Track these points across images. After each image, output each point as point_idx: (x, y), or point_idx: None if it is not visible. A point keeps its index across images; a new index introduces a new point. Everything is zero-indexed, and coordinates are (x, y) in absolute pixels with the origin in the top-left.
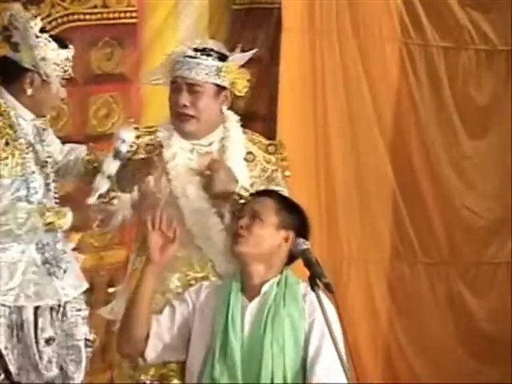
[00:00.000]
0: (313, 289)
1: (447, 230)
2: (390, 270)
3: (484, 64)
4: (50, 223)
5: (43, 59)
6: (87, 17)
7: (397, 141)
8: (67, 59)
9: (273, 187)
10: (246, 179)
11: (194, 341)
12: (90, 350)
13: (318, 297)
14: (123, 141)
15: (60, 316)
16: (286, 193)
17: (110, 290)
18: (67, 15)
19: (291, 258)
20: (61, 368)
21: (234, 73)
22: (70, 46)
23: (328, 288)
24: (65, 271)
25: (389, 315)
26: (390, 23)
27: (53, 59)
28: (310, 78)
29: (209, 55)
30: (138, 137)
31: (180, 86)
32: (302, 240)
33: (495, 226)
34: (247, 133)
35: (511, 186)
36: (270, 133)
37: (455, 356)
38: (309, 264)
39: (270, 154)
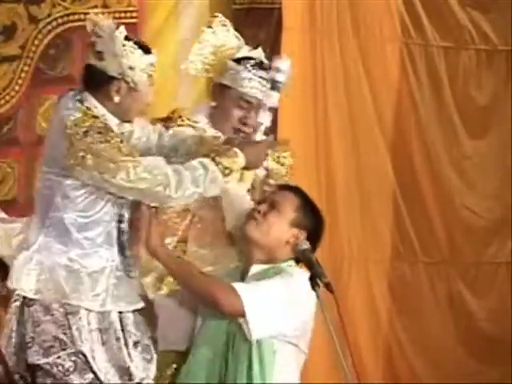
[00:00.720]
0: (313, 289)
1: (447, 230)
2: (390, 269)
3: (484, 64)
4: (226, 168)
5: (131, 68)
6: (87, 17)
7: (397, 141)
8: (151, 64)
9: None
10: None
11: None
12: (157, 346)
13: (319, 297)
14: (279, 70)
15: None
16: None
17: None
18: (68, 15)
19: (297, 258)
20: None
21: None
22: (153, 51)
23: (328, 288)
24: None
25: (389, 315)
26: (390, 23)
27: (139, 66)
28: (311, 78)
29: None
30: (179, 126)
31: (252, 106)
32: (303, 240)
33: (495, 225)
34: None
35: (511, 186)
36: (270, 133)
37: (455, 356)
38: (309, 264)
39: (281, 164)
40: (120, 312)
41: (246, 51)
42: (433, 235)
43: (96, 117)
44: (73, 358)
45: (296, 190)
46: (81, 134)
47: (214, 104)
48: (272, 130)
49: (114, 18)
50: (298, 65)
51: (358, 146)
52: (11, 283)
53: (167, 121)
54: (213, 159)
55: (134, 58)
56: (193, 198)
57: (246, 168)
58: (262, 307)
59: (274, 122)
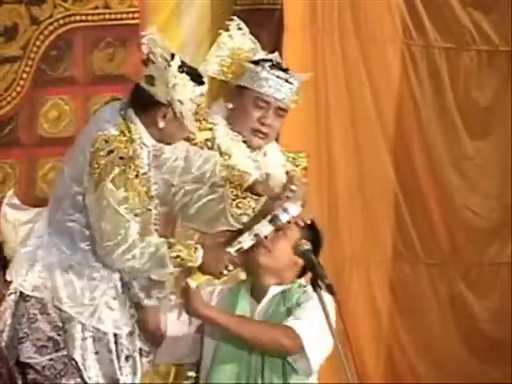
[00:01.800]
0: (315, 290)
1: (449, 231)
2: (391, 270)
3: (486, 65)
4: (178, 257)
5: (180, 102)
6: (89, 17)
7: (399, 142)
8: (201, 94)
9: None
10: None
11: (206, 341)
12: (146, 359)
13: (320, 298)
14: (286, 211)
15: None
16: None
17: None
18: (69, 16)
19: (302, 271)
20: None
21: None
22: (205, 80)
23: (330, 289)
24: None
25: (390, 316)
26: (391, 24)
27: (189, 98)
28: (312, 79)
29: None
30: (200, 130)
31: (270, 105)
32: (303, 241)
33: (497, 226)
34: (278, 144)
35: None
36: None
37: (457, 356)
38: (310, 265)
39: (297, 166)
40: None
41: (262, 54)
42: (434, 236)
43: (131, 140)
44: (65, 361)
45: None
46: (105, 152)
47: (230, 106)
48: None
49: (116, 18)
50: (300, 66)
51: (359, 147)
52: (10, 276)
53: None
54: (170, 246)
55: (185, 91)
56: (129, 265)
57: (200, 269)
58: (318, 341)
59: None
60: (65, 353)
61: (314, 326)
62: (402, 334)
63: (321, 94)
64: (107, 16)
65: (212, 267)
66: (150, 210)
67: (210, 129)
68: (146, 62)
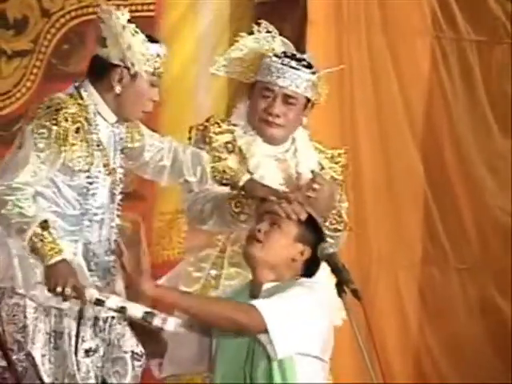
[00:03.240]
0: (340, 295)
1: (480, 233)
2: (420, 274)
3: None
4: (41, 241)
5: (129, 48)
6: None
7: (428, 139)
8: (158, 55)
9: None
10: None
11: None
12: (138, 363)
13: (345, 304)
14: (164, 321)
15: (107, 326)
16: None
17: None
18: (81, 8)
19: (309, 272)
20: (104, 381)
21: (322, 86)
22: (162, 44)
23: (355, 294)
24: (108, 284)
25: (419, 322)
26: (420, 16)
27: (140, 50)
28: (337, 74)
29: (308, 67)
30: (217, 133)
31: (276, 94)
32: (328, 244)
33: None
34: (311, 141)
35: None
36: None
37: (488, 364)
38: (335, 269)
39: (336, 163)
40: (80, 318)
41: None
42: (465, 238)
43: (82, 105)
44: (24, 363)
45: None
46: (44, 108)
47: (248, 103)
48: None
49: (131, 10)
50: (324, 60)
51: (386, 145)
52: None
53: (204, 130)
54: (42, 227)
55: (133, 39)
56: None
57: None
58: (286, 322)
59: None
60: (25, 352)
61: (286, 310)
62: (430, 341)
63: (346, 90)
64: (122, 8)
65: (57, 277)
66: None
67: (231, 131)
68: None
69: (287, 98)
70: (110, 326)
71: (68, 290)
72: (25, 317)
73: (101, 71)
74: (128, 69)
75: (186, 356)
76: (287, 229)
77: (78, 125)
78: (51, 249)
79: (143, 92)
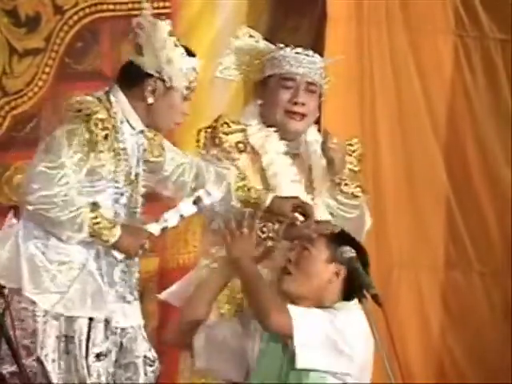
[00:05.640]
0: (360, 301)
1: (504, 236)
2: (443, 278)
3: None
4: (97, 223)
5: (169, 61)
6: (117, 7)
7: (451, 140)
8: (193, 69)
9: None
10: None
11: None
12: (151, 369)
13: (366, 310)
14: (208, 194)
15: (119, 329)
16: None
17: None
18: (95, 5)
19: (349, 295)
20: None
21: (328, 76)
22: (197, 56)
23: (376, 300)
24: (135, 299)
25: (442, 327)
26: (443, 14)
27: (179, 65)
28: (357, 72)
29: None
30: (227, 133)
31: (298, 83)
32: (347, 248)
33: None
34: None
35: None
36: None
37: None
38: (355, 273)
39: (350, 154)
40: (90, 319)
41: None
42: (488, 241)
43: (110, 112)
44: (33, 369)
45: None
46: (74, 111)
47: (260, 102)
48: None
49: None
50: (343, 58)
51: (408, 145)
52: None
53: (213, 131)
54: (95, 218)
55: (174, 53)
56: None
57: (115, 246)
58: (311, 335)
59: (317, 119)
60: (34, 357)
61: (314, 325)
62: (453, 346)
63: (366, 89)
64: (136, 5)
65: (128, 245)
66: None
67: (242, 130)
68: (134, 37)
69: (309, 86)
70: (123, 329)
71: (143, 249)
72: (34, 321)
73: (133, 79)
74: (163, 81)
75: (220, 358)
76: (317, 252)
77: (107, 132)
78: (109, 227)
79: (175, 105)
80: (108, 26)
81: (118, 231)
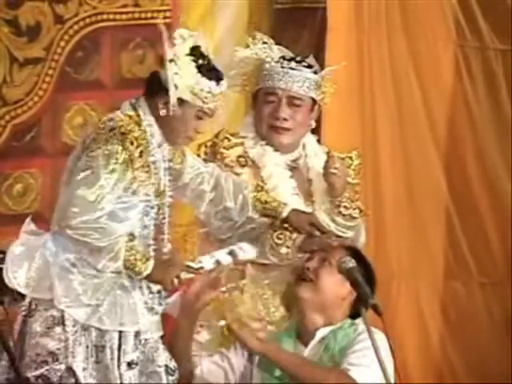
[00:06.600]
0: (360, 311)
1: (505, 247)
2: (442, 289)
3: None
4: (132, 255)
5: (176, 74)
6: (117, 16)
7: (451, 149)
8: (209, 92)
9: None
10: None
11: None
12: (172, 378)
13: (365, 321)
14: (242, 249)
15: (143, 339)
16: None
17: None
18: (95, 15)
19: (355, 314)
20: None
21: (326, 85)
22: (223, 83)
23: (376, 310)
24: (163, 310)
25: (441, 339)
26: (443, 24)
27: (188, 82)
28: (357, 81)
29: (308, 67)
30: (228, 148)
31: (280, 98)
32: (348, 258)
33: None
34: (321, 146)
35: None
36: None
37: None
38: (355, 284)
39: (348, 166)
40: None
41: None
42: (488, 252)
43: (141, 128)
44: (60, 373)
45: (344, 241)
46: (107, 130)
47: (254, 114)
48: (315, 136)
49: (146, 18)
50: (344, 67)
51: (408, 154)
52: (7, 278)
53: (213, 146)
54: (130, 250)
55: (185, 68)
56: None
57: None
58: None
59: (318, 127)
60: (62, 366)
61: (372, 371)
62: (453, 357)
63: (366, 98)
64: (137, 15)
65: (161, 278)
66: (160, 206)
67: (242, 143)
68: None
69: (292, 100)
70: (146, 339)
71: (179, 278)
72: (64, 330)
73: (153, 89)
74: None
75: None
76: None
77: (142, 148)
78: (143, 260)
79: (187, 121)
80: (108, 36)
81: (150, 265)
